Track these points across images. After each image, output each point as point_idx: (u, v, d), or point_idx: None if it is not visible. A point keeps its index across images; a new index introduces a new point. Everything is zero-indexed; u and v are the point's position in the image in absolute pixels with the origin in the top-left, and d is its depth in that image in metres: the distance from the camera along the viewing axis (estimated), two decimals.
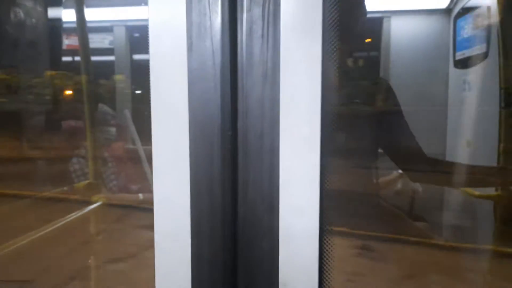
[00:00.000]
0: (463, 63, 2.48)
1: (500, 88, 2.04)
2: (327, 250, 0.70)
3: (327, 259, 0.71)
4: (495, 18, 2.06)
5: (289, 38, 0.62)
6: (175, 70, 0.64)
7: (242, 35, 0.64)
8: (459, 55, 2.50)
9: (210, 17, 0.63)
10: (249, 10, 0.62)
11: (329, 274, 0.71)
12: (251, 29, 0.63)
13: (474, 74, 2.49)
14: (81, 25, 1.65)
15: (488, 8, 2.15)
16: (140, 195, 1.72)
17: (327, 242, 0.70)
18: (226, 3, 0.63)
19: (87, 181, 1.66)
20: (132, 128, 2.03)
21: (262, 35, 0.63)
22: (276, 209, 0.68)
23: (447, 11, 2.61)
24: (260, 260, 0.70)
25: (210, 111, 0.65)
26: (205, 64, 0.64)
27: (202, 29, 0.63)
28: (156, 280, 0.71)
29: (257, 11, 0.62)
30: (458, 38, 2.48)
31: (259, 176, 0.67)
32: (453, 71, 2.81)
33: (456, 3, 2.55)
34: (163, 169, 0.66)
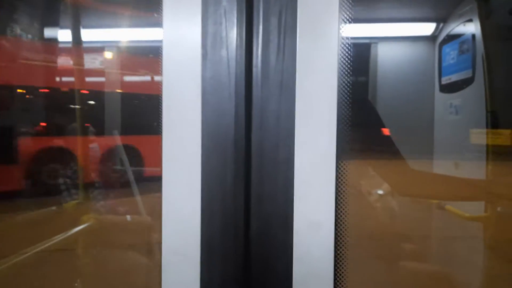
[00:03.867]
0: (450, 88, 2.55)
1: (487, 112, 2.09)
2: (343, 268, 0.67)
3: (343, 277, 0.67)
4: (479, 44, 2.14)
5: (306, 48, 0.61)
6: (188, 79, 0.62)
7: (258, 44, 0.62)
8: (445, 80, 2.57)
9: (225, 26, 0.62)
10: (265, 20, 0.62)
11: None
12: (267, 39, 0.62)
13: (461, 98, 2.55)
14: (77, 45, 1.64)
15: (473, 35, 2.24)
16: (128, 217, 1.67)
17: (343, 258, 0.67)
18: (242, 13, 0.62)
19: (76, 201, 1.61)
20: (121, 149, 1.99)
21: (278, 45, 0.62)
22: (290, 225, 0.65)
23: (432, 38, 2.70)
24: (273, 280, 0.66)
25: (224, 122, 0.63)
26: (220, 74, 0.62)
27: (218, 38, 0.62)
28: None
29: (274, 21, 0.61)
30: (444, 64, 2.55)
31: (273, 190, 0.65)
32: (439, 95, 2.88)
33: (441, 31, 2.65)
34: (173, 182, 0.63)
